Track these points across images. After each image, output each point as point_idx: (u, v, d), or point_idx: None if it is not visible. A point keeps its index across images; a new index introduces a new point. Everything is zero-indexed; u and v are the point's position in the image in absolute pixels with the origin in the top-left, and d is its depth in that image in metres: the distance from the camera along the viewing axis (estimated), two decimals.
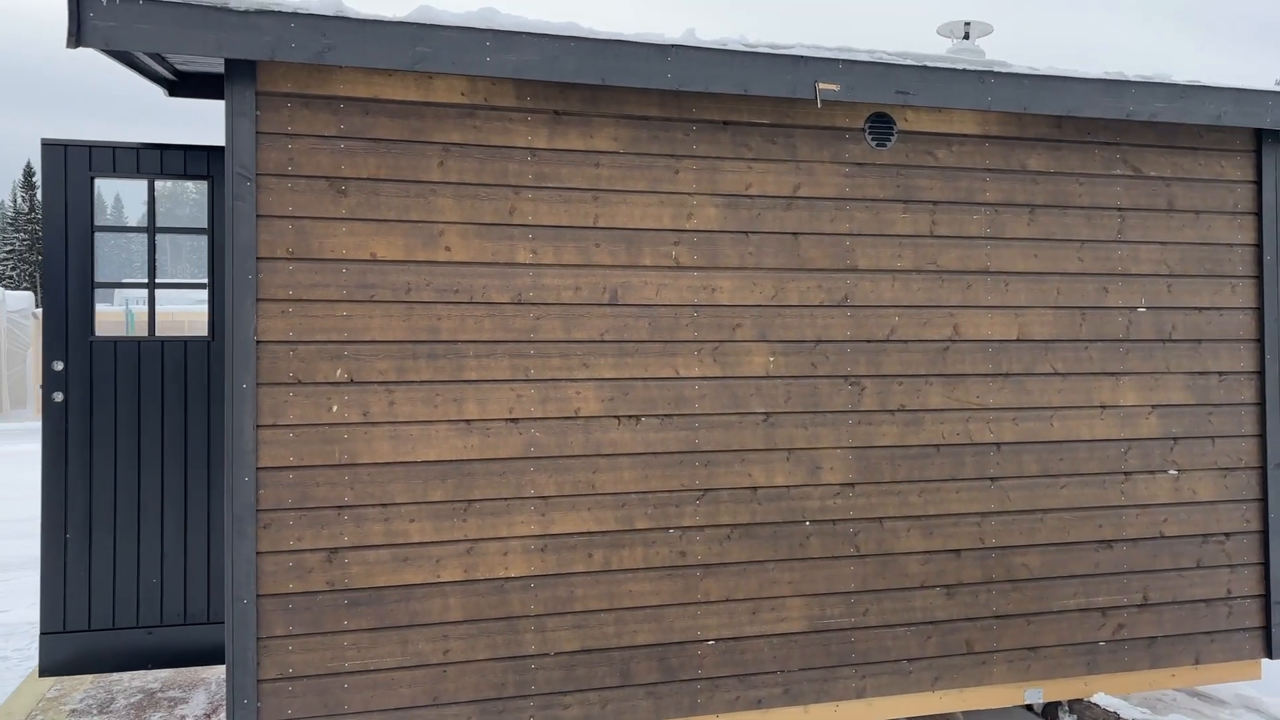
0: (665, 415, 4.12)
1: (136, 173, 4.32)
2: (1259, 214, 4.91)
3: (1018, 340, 4.56)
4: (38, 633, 5.53)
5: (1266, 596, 4.90)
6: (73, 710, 4.18)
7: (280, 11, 3.52)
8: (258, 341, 3.69)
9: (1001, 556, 4.53)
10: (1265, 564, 4.90)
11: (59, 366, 4.25)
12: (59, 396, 4.26)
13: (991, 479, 4.52)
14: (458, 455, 3.89)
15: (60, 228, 4.22)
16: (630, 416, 4.08)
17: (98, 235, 4.27)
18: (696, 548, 4.16)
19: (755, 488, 4.23)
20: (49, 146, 4.29)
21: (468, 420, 3.91)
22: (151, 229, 4.42)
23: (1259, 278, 4.91)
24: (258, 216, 3.69)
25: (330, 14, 3.56)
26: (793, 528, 4.27)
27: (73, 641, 4.29)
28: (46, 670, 4.30)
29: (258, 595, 3.69)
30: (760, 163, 4.23)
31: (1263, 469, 4.90)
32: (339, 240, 3.78)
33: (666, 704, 4.12)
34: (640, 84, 3.88)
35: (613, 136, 4.07)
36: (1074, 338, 4.64)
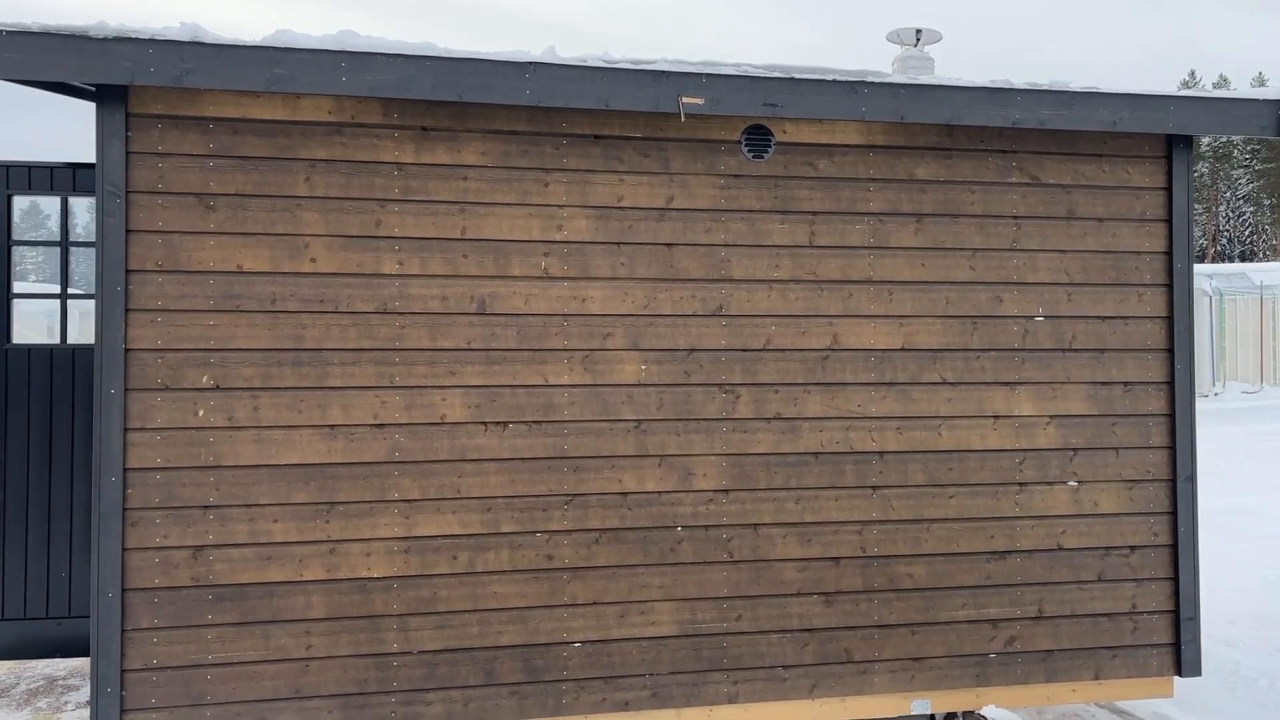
0: (534, 422, 4.23)
1: (50, 190, 4.61)
2: (1169, 221, 4.81)
3: (902, 349, 4.55)
4: None
5: (1176, 612, 4.79)
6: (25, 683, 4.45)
7: (138, 38, 3.73)
8: (126, 349, 3.90)
9: (884, 566, 4.53)
10: (1175, 579, 4.79)
11: None
12: None
13: (874, 488, 4.52)
14: (321, 459, 4.05)
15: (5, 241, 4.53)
16: (498, 423, 4.20)
17: (15, 249, 4.56)
18: (564, 551, 4.25)
19: (625, 493, 4.30)
20: None
21: (331, 425, 4.06)
22: (65, 243, 4.71)
23: (1169, 286, 4.81)
24: (128, 231, 3.90)
25: (187, 39, 3.76)
26: (664, 533, 4.33)
27: (8, 630, 4.59)
28: None
29: (123, 589, 3.89)
30: (633, 175, 4.31)
31: (1173, 481, 4.79)
32: (206, 253, 3.97)
33: (530, 704, 4.21)
34: (499, 100, 4.00)
35: (481, 151, 4.19)
36: (965, 347, 4.61)
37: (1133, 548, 4.76)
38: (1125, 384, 4.76)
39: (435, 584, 4.14)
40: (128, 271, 3.91)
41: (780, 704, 4.44)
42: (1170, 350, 4.80)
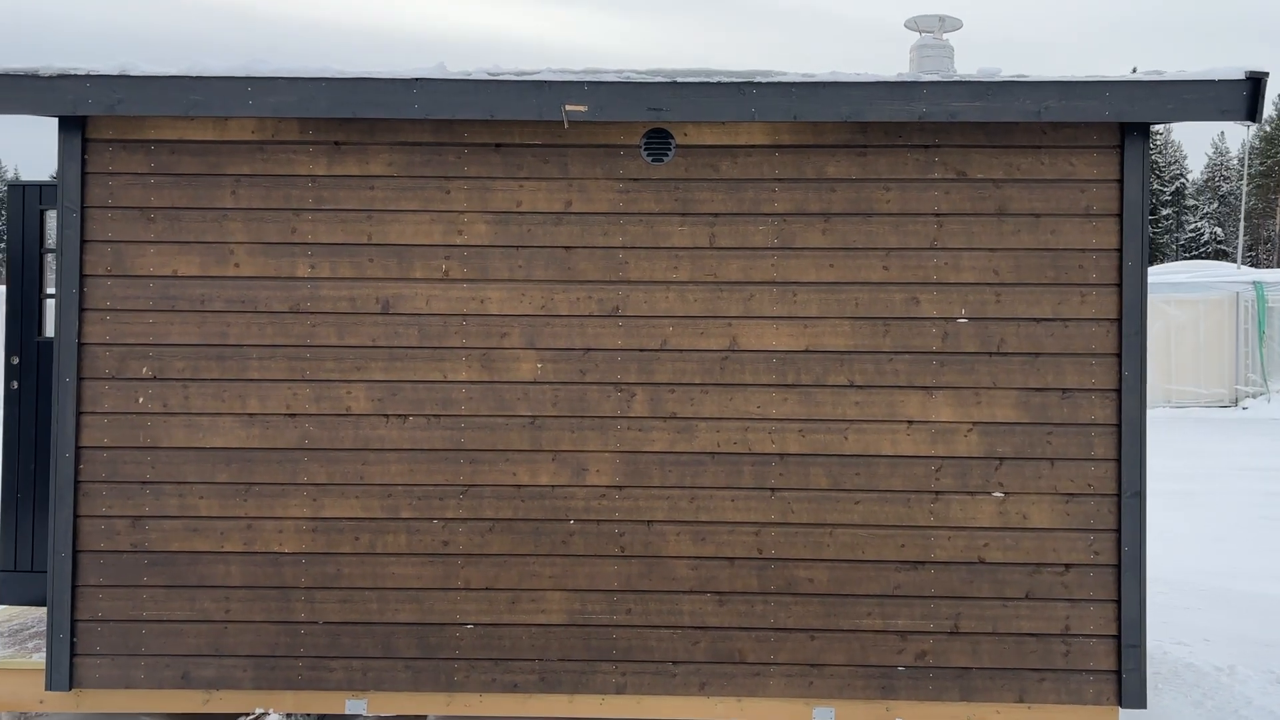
0: (432, 415, 4.52)
1: None
2: (1120, 215, 4.47)
3: (806, 351, 4.50)
4: None
5: (1118, 638, 4.45)
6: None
7: (76, 74, 4.31)
8: (80, 344, 4.52)
9: (781, 568, 4.50)
10: (1118, 601, 4.46)
11: (15, 360, 5.35)
12: (15, 385, 5.36)
13: (772, 489, 4.50)
14: (241, 444, 4.52)
15: (19, 251, 5.32)
16: (398, 415, 4.52)
17: (46, 256, 5.32)
18: (459, 538, 4.52)
19: (519, 485, 4.52)
20: (12, 188, 5.40)
21: (250, 414, 4.52)
22: None
23: (1119, 285, 4.47)
24: (83, 241, 4.51)
25: (115, 73, 4.31)
26: (556, 525, 4.51)
27: (23, 580, 5.39)
28: (3, 600, 5.42)
29: (75, 551, 4.51)
30: (532, 181, 4.51)
31: (1117, 496, 4.46)
32: (148, 259, 4.52)
33: (424, 678, 4.51)
34: (391, 115, 4.32)
35: (387, 162, 4.52)
36: (875, 349, 4.49)
37: (1068, 565, 4.47)
38: (1063, 390, 4.48)
39: (339, 561, 4.52)
40: (82, 276, 4.51)
41: (671, 699, 4.51)
42: (1119, 355, 4.46)
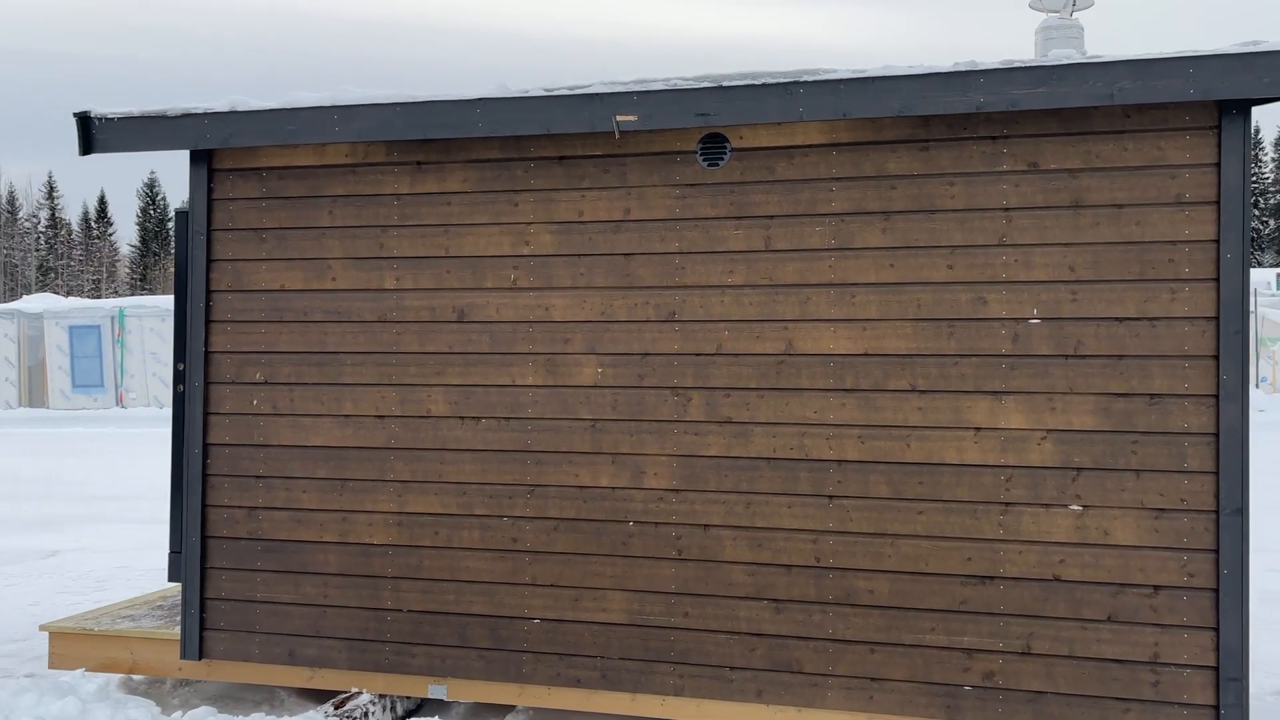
0: (502, 418, 4.74)
1: None
2: (1218, 203, 4.04)
3: (865, 355, 4.36)
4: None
5: (1216, 670, 4.03)
6: (158, 604, 5.87)
7: (196, 113, 4.85)
8: (207, 352, 5.07)
9: (840, 578, 4.38)
10: (1216, 629, 4.03)
11: (180, 367, 6.05)
12: (180, 388, 6.06)
13: (830, 497, 4.39)
14: (337, 443, 4.92)
15: (185, 268, 6.01)
16: (472, 418, 4.77)
17: None
18: (526, 535, 4.71)
19: (581, 486, 4.65)
20: (179, 214, 6.12)
21: (345, 415, 4.92)
22: None
23: (1216, 280, 4.04)
24: (209, 260, 5.07)
25: (226, 110, 4.81)
26: (615, 526, 4.61)
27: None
28: (172, 578, 6.13)
29: (203, 536, 5.07)
30: (593, 191, 4.64)
31: (1215, 513, 4.03)
32: (260, 275, 5.02)
33: (495, 668, 4.73)
34: (457, 134, 4.58)
35: (462, 178, 4.79)
36: (939, 352, 4.29)
37: (1157, 587, 4.09)
38: (1150, 396, 4.10)
39: (421, 554, 4.82)
40: (209, 291, 5.07)
41: (729, 704, 4.50)
42: (1216, 357, 4.04)
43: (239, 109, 4.81)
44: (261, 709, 5.09)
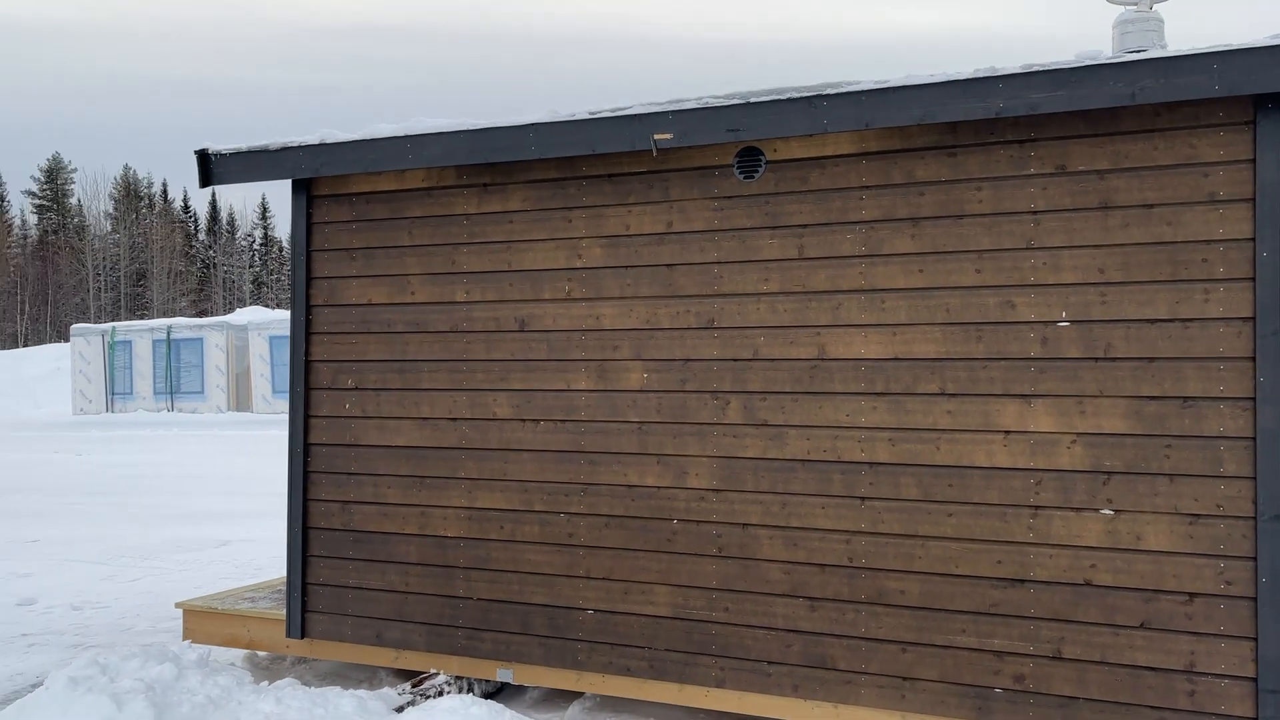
0: (559, 420, 5.05)
1: None
2: (1254, 200, 3.93)
3: (895, 359, 4.44)
4: None
5: (1255, 681, 3.90)
6: (278, 588, 6.43)
7: (291, 146, 5.39)
8: (307, 361, 5.62)
9: (872, 578, 4.47)
10: (1255, 639, 3.91)
11: None
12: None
13: (862, 498, 4.48)
14: (416, 443, 5.36)
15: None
16: (532, 420, 5.11)
17: None
18: (580, 531, 5.00)
19: (630, 485, 4.91)
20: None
21: (423, 418, 5.35)
22: None
23: (1253, 280, 3.93)
24: (309, 279, 5.61)
25: (316, 143, 5.33)
26: (661, 524, 4.84)
27: None
28: None
29: (305, 527, 5.61)
30: (638, 206, 4.90)
31: (1254, 519, 3.91)
32: (351, 291, 5.52)
33: (554, 655, 5.05)
34: (514, 157, 4.93)
35: (523, 198, 5.14)
36: (967, 356, 4.32)
37: (1192, 595, 4.00)
38: (1184, 399, 4.02)
39: (489, 546, 5.19)
40: (309, 306, 5.61)
41: (768, 698, 4.65)
42: (1253, 359, 3.92)
43: (327, 141, 5.31)
44: (357, 685, 5.58)
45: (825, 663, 4.54)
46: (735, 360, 4.71)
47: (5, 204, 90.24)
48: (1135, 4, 5.57)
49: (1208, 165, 3.99)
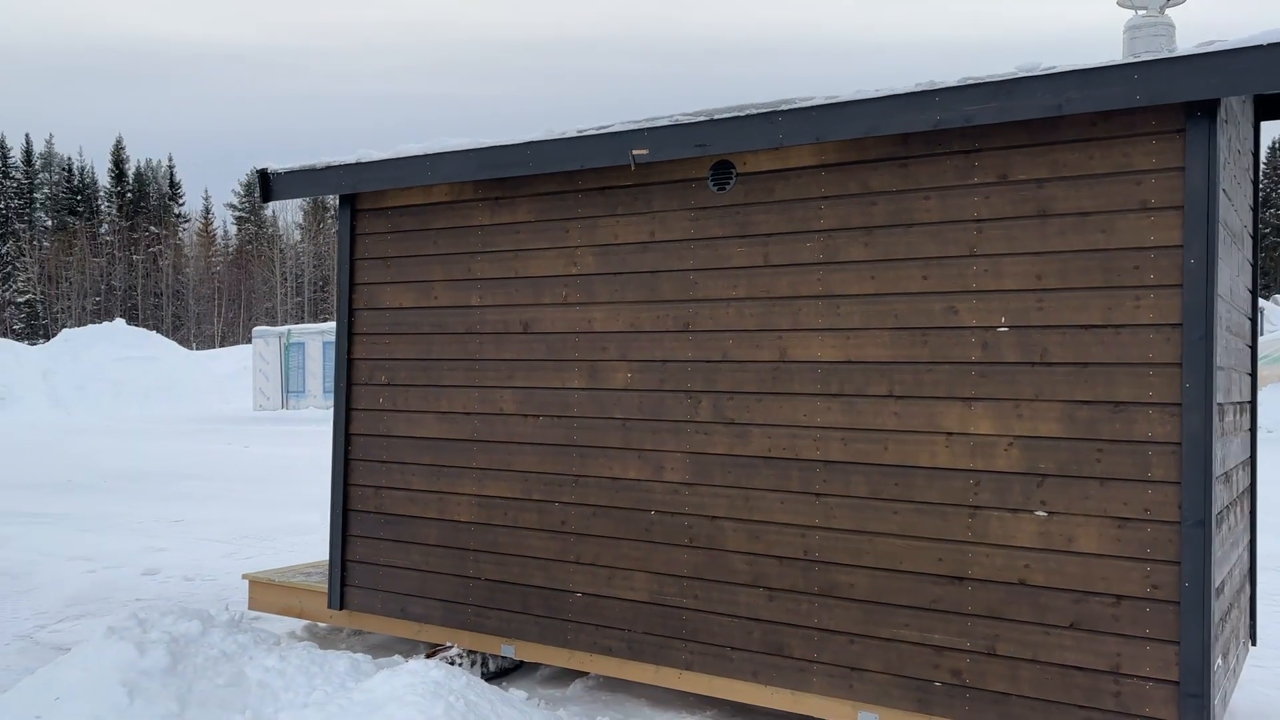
0: (555, 416, 5.45)
1: None
2: (1183, 208, 3.96)
3: (848, 362, 4.63)
4: None
5: (1178, 684, 3.93)
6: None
7: (333, 165, 5.99)
8: (349, 359, 6.20)
9: (824, 571, 4.67)
10: (1178, 643, 3.93)
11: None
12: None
13: (817, 494, 4.69)
14: (436, 435, 5.86)
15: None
16: (533, 415, 5.52)
17: None
18: (572, 519, 5.38)
19: (614, 478, 5.25)
20: None
21: (442, 412, 5.84)
22: None
23: (1181, 286, 3.96)
24: (351, 285, 6.20)
25: (353, 162, 5.91)
26: (640, 514, 5.17)
27: None
28: None
29: (345, 509, 6.19)
30: (626, 216, 5.25)
31: (1179, 524, 3.94)
32: (385, 296, 6.07)
33: (548, 633, 5.44)
34: (515, 172, 5.36)
35: (528, 210, 5.56)
36: (914, 360, 4.48)
37: (1119, 597, 4.05)
38: (1115, 404, 4.08)
39: (495, 531, 5.63)
40: (351, 309, 6.20)
41: (731, 681, 4.91)
42: (1180, 365, 3.95)
43: (362, 160, 5.88)
44: (390, 655, 6.12)
45: (782, 650, 4.77)
46: (707, 361, 4.99)
47: (210, 215, 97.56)
48: (1145, 8, 5.56)
49: (1140, 173, 4.04)
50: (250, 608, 6.72)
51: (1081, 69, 3.97)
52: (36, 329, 72.69)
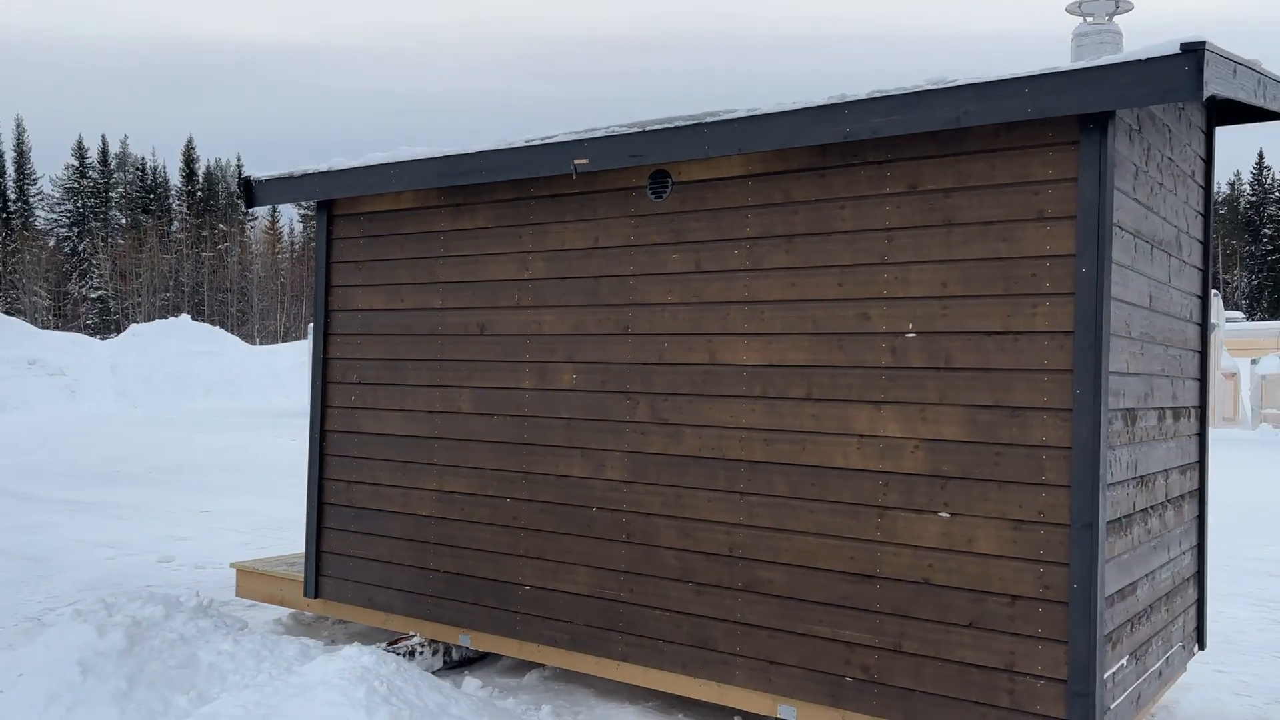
0: (508, 415, 5.67)
1: None
2: (1076, 218, 4.06)
3: (771, 365, 4.78)
4: None
5: (1067, 683, 4.03)
6: None
7: (307, 173, 6.28)
8: (325, 358, 6.49)
9: (747, 567, 4.82)
10: (1067, 642, 4.03)
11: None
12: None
13: (741, 493, 4.85)
14: (401, 432, 6.12)
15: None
16: (488, 414, 5.75)
17: None
18: (522, 514, 5.60)
19: (560, 475, 5.46)
20: None
21: (407, 410, 6.10)
22: None
23: (1074, 294, 4.06)
24: (328, 287, 6.49)
25: (325, 170, 6.19)
26: (583, 511, 5.37)
27: None
28: None
29: (320, 502, 6.48)
30: (573, 223, 5.45)
31: (1070, 527, 4.04)
32: (357, 298, 6.35)
33: (499, 624, 5.66)
34: (472, 180, 5.59)
35: (486, 216, 5.79)
36: (830, 364, 4.62)
37: (1014, 597, 4.16)
38: (1013, 409, 4.18)
39: (452, 525, 5.88)
40: (327, 311, 6.49)
41: (663, 673, 5.09)
42: (1073, 371, 4.05)
43: (334, 169, 6.16)
44: (369, 643, 6.39)
45: (708, 644, 4.93)
46: (644, 364, 5.17)
47: (276, 213, 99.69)
48: (1091, 16, 5.63)
49: (1038, 184, 4.14)
50: (237, 595, 7.05)
51: (977, 83, 4.08)
52: (108, 324, 75.07)
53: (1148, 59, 3.72)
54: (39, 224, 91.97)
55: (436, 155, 5.70)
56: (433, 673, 5.89)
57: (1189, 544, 5.44)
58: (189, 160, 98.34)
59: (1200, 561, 5.67)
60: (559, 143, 5.22)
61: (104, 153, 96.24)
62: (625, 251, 5.25)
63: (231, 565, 7.14)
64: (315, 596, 6.48)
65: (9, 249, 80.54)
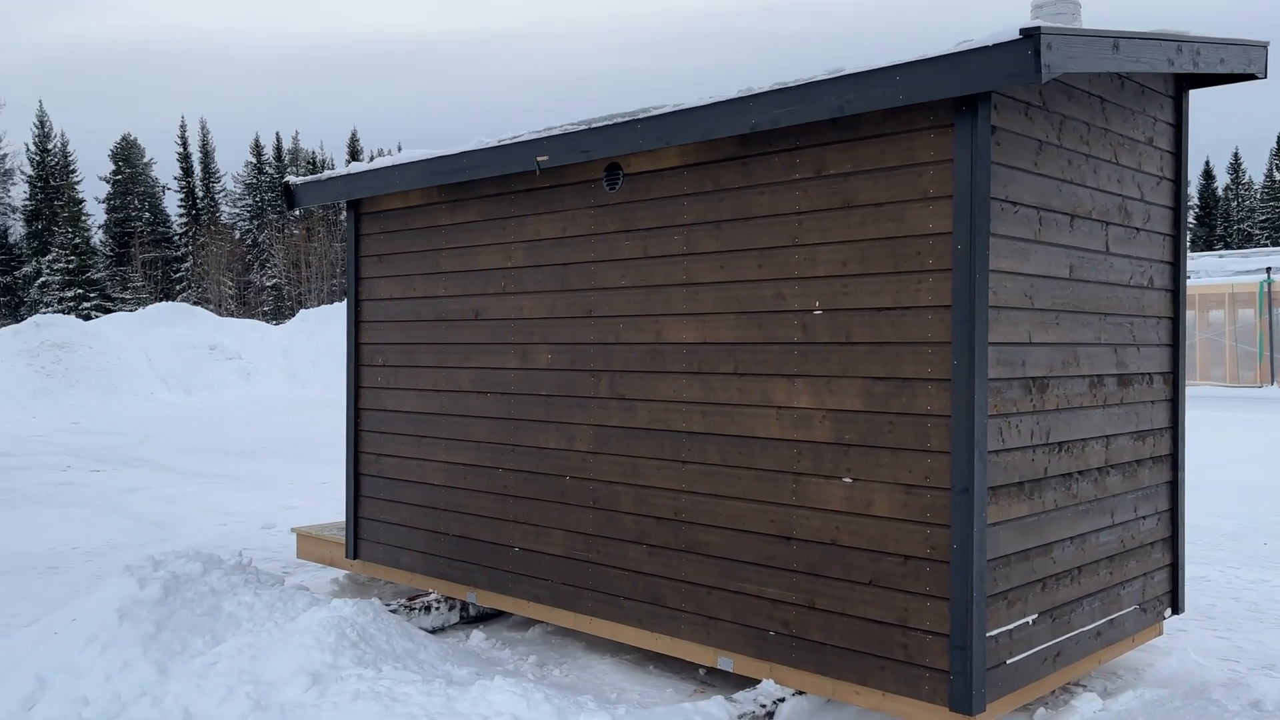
0: (499, 392, 6.20)
1: None
2: (952, 197, 4.26)
3: (705, 343, 5.13)
4: None
5: (949, 636, 4.27)
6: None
7: (335, 176, 6.94)
8: (357, 343, 7.18)
9: (690, 530, 5.21)
10: (949, 599, 4.27)
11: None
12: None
13: (683, 462, 5.23)
14: (416, 409, 6.73)
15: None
16: (482, 392, 6.30)
17: None
18: (511, 483, 6.13)
19: (540, 447, 5.96)
20: None
21: (420, 389, 6.71)
22: None
23: (951, 270, 4.27)
24: (358, 279, 7.16)
25: (346, 173, 6.84)
26: (558, 480, 5.85)
27: None
28: None
29: (356, 473, 7.19)
30: (546, 214, 5.91)
31: (950, 491, 4.27)
32: (380, 288, 6.99)
33: (495, 582, 6.22)
34: (458, 178, 6.13)
35: (477, 210, 6.32)
36: (752, 341, 4.94)
37: (907, 557, 4.42)
38: (902, 380, 4.43)
39: (458, 493, 6.46)
40: (357, 300, 7.16)
41: (625, 627, 5.53)
42: (950, 343, 4.27)
43: (352, 172, 6.81)
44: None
45: (659, 600, 5.35)
46: (605, 344, 5.60)
47: None
48: None
49: (921, 165, 4.35)
50: (298, 556, 7.86)
51: (856, 73, 4.31)
52: (282, 310, 79.84)
53: (993, 45, 3.89)
54: (224, 219, 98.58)
55: (429, 157, 6.25)
56: (448, 626, 6.52)
57: (1152, 509, 5.50)
58: (354, 153, 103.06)
59: (1175, 526, 5.70)
60: (524, 141, 5.68)
61: (278, 149, 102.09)
62: (588, 240, 5.67)
63: (292, 530, 7.95)
64: (355, 558, 7.20)
65: (199, 243, 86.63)
